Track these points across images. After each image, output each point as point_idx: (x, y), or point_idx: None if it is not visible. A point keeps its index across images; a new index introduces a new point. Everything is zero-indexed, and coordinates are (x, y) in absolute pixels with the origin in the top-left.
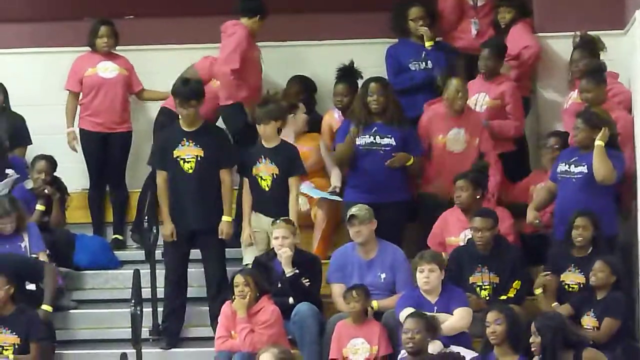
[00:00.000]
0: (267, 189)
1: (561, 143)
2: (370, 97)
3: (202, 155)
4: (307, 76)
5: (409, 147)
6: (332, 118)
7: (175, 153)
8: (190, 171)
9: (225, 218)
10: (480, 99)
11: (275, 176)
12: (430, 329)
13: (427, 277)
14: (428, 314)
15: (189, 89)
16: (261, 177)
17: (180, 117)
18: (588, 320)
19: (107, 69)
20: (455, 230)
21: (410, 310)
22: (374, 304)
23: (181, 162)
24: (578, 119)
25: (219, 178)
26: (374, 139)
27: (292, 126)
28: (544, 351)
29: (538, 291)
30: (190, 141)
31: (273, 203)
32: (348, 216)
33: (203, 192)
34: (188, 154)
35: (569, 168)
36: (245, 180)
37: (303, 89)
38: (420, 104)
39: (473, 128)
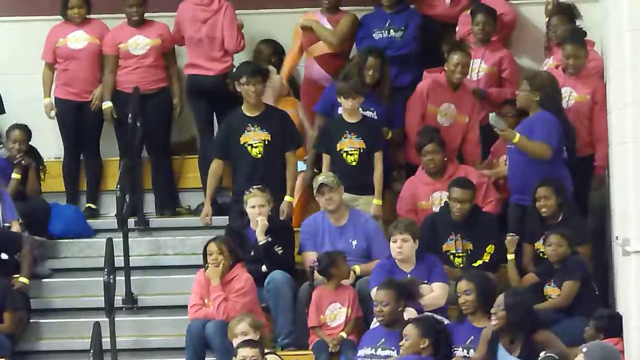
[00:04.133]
0: (353, 164)
1: (515, 110)
2: (367, 70)
3: (270, 139)
4: (275, 40)
5: (391, 120)
6: None
7: (242, 139)
8: (259, 156)
9: (287, 198)
10: (475, 65)
11: (362, 150)
12: (404, 297)
13: (400, 247)
14: (406, 279)
15: (254, 65)
16: (347, 152)
17: (244, 100)
18: (550, 290)
19: (77, 40)
20: (424, 195)
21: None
22: (356, 268)
23: (249, 147)
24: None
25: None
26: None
27: (269, 90)
28: (510, 327)
29: (511, 257)
30: (256, 126)
31: (358, 178)
32: (317, 186)
33: (271, 175)
34: (255, 138)
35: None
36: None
37: (273, 51)
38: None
39: (463, 106)
